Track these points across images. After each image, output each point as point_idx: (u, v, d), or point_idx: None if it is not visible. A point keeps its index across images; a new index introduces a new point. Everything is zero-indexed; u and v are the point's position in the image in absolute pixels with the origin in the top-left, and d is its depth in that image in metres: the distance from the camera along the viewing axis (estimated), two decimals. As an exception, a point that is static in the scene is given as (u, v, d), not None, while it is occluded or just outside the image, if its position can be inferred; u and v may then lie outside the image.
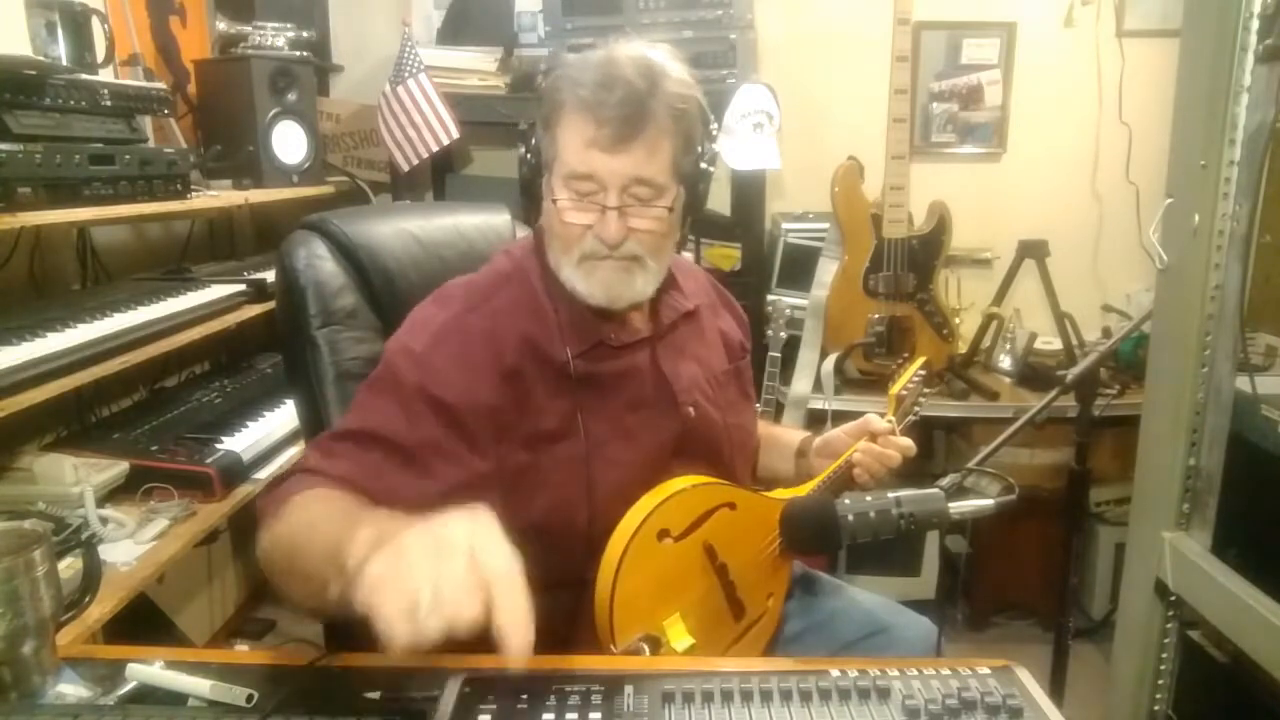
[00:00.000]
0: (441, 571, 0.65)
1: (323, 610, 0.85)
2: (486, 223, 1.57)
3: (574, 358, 1.17)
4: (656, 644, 1.13)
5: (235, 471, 1.80)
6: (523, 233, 1.59)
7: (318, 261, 1.38)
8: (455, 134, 2.57)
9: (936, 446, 2.92)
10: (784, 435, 1.49)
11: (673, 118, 1.12)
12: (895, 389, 1.33)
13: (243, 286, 2.06)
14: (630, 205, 1.12)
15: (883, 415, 1.33)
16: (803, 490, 1.31)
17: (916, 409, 1.35)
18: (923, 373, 1.35)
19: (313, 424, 1.37)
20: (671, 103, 1.11)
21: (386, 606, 0.63)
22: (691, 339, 1.32)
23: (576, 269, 1.16)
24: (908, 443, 1.28)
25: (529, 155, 1.20)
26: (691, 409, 1.25)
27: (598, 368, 1.19)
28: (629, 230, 1.13)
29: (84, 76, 1.76)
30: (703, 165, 1.18)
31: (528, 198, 1.23)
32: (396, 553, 0.66)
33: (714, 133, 1.20)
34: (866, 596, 1.44)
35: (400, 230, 1.48)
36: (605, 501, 1.16)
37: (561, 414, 1.16)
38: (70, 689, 0.90)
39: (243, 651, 2.13)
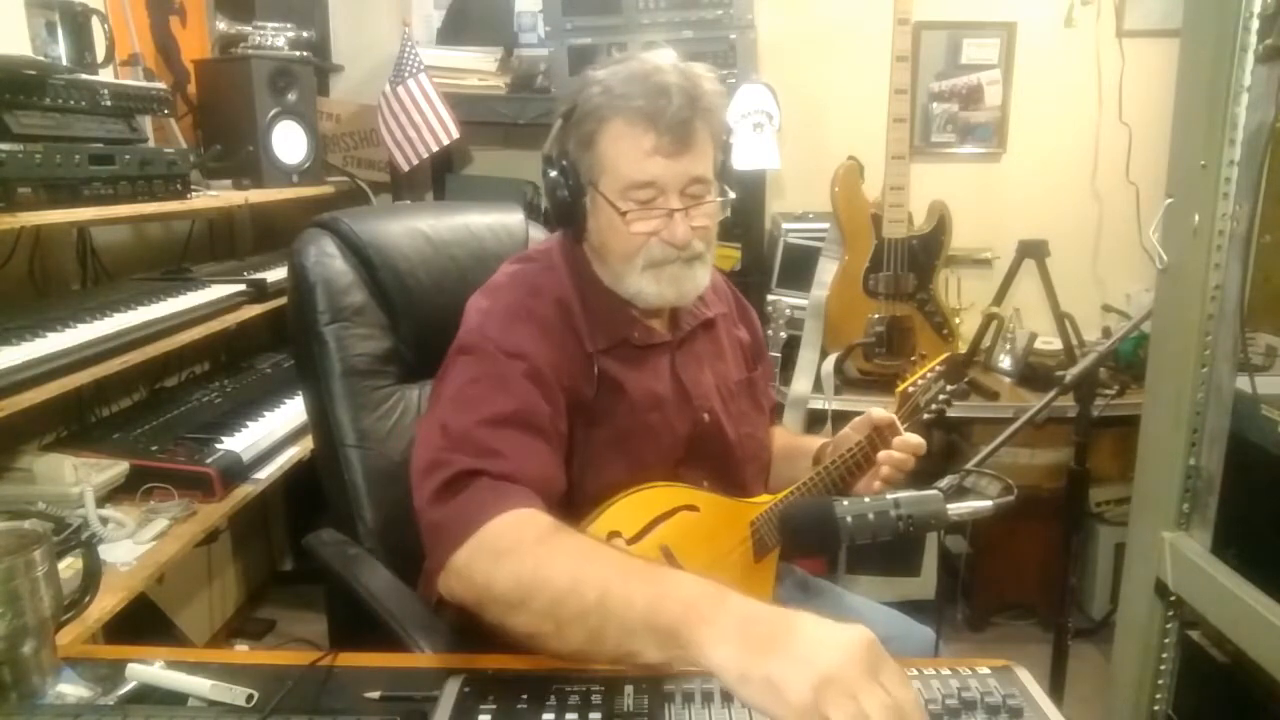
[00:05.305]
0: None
1: (569, 650, 0.89)
2: (499, 222, 1.57)
3: (598, 352, 1.19)
4: None
5: (235, 471, 1.80)
6: (535, 233, 1.59)
7: (327, 259, 1.38)
8: (455, 134, 2.57)
9: (935, 446, 2.91)
10: (805, 444, 1.47)
11: (711, 116, 1.16)
12: (903, 386, 1.32)
13: (243, 286, 2.06)
14: (689, 204, 1.16)
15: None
16: (785, 493, 1.30)
17: (934, 406, 1.31)
18: (939, 368, 1.31)
19: (319, 418, 1.38)
20: (711, 103, 1.16)
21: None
22: (708, 348, 1.34)
23: (642, 275, 1.18)
24: (916, 440, 1.26)
25: (564, 179, 1.19)
26: (706, 414, 1.27)
27: (620, 365, 1.22)
28: (692, 229, 1.16)
29: (84, 76, 1.76)
30: (722, 157, 1.23)
31: (567, 219, 1.23)
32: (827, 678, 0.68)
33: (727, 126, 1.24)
34: (865, 605, 1.44)
35: (411, 229, 1.48)
36: (605, 497, 1.17)
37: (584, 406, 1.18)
38: (70, 689, 0.90)
39: (243, 651, 2.12)
